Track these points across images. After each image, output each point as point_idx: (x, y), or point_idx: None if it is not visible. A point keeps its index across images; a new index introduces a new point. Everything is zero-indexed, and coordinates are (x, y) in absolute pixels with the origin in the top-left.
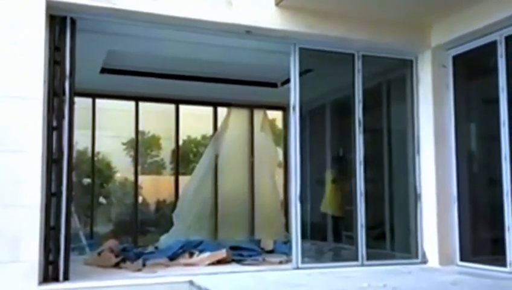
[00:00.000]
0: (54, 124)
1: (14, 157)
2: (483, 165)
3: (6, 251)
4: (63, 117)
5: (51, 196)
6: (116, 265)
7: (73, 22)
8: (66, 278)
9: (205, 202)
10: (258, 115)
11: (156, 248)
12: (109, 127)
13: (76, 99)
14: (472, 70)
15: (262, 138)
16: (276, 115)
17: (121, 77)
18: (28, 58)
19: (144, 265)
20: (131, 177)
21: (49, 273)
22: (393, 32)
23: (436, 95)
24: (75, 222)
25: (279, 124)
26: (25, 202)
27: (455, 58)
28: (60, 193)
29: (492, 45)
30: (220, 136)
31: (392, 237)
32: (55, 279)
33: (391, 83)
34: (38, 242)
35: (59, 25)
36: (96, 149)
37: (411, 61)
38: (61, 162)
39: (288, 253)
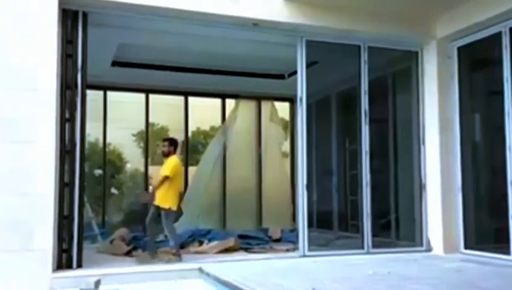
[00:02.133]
0: (67, 115)
1: (28, 148)
2: (487, 155)
3: (21, 239)
4: (75, 109)
5: (64, 186)
6: (128, 253)
7: (85, 15)
8: (79, 265)
9: (214, 191)
10: (265, 106)
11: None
12: (120, 119)
13: (88, 91)
14: (477, 62)
15: (271, 128)
16: (281, 107)
17: (131, 70)
18: (41, 51)
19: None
20: (142, 168)
21: (62, 260)
22: (398, 24)
23: (441, 86)
24: (88, 211)
25: (285, 115)
26: (39, 191)
27: (460, 50)
28: (73, 183)
29: (497, 36)
30: (228, 127)
31: (398, 226)
32: (69, 266)
33: (396, 74)
34: (52, 231)
35: (71, 18)
36: (108, 140)
37: (416, 52)
38: (73, 153)
39: (295, 241)
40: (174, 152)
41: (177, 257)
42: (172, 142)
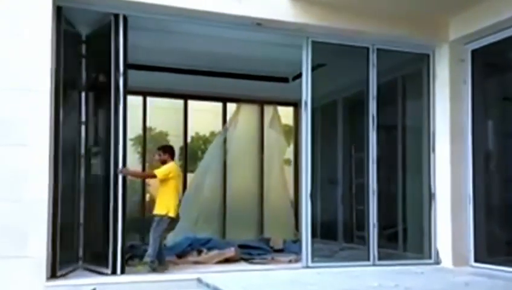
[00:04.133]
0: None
1: (22, 151)
2: (500, 164)
3: (14, 246)
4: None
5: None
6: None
7: (125, 19)
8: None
9: (213, 199)
10: (268, 110)
11: (164, 245)
12: None
13: None
14: (491, 66)
15: (271, 134)
16: (284, 111)
17: (128, 72)
18: (35, 51)
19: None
20: None
21: (56, 268)
22: (409, 26)
23: (453, 91)
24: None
25: (289, 120)
26: (33, 197)
27: (474, 53)
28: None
29: None
30: (229, 132)
31: (405, 237)
32: (63, 274)
33: (406, 78)
34: (46, 238)
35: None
36: None
37: (427, 55)
38: (107, 158)
39: (298, 252)
40: (172, 159)
41: (158, 266)
42: (167, 149)
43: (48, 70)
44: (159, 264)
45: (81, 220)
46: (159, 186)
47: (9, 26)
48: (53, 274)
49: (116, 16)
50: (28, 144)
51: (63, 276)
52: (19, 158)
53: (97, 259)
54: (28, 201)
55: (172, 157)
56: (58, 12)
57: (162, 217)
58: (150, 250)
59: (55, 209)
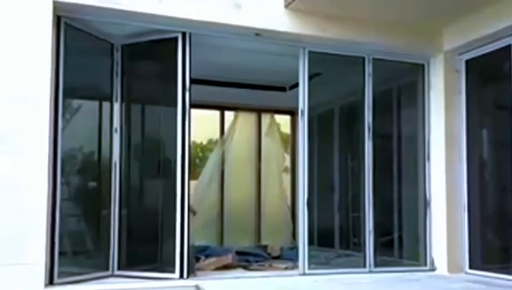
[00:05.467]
0: (60, 125)
1: (20, 159)
2: (494, 172)
3: (12, 254)
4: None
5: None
6: None
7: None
8: None
9: (211, 206)
10: (265, 119)
11: None
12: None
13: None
14: (485, 76)
15: (269, 142)
16: (283, 120)
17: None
18: (35, 59)
19: None
20: None
21: (54, 275)
22: (404, 36)
23: (448, 100)
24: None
25: (286, 128)
26: (31, 205)
27: (468, 63)
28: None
29: (507, 49)
30: (227, 140)
31: (401, 244)
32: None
33: (402, 87)
34: (45, 245)
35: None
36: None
37: (423, 65)
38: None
39: (295, 259)
40: None
41: None
42: None
43: (47, 79)
44: None
45: (116, 227)
46: None
47: (8, 34)
48: (51, 281)
49: (184, 34)
50: (26, 152)
51: (62, 283)
52: (17, 166)
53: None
54: (26, 209)
55: None
56: (58, 22)
57: None
58: None
59: (54, 217)
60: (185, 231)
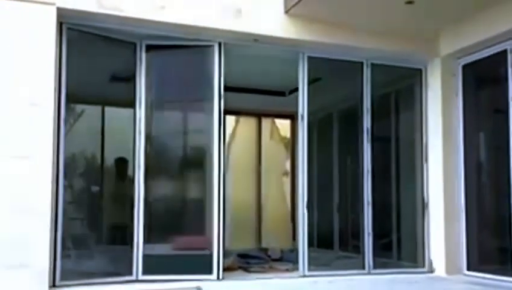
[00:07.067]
0: (63, 130)
1: (24, 163)
2: (492, 174)
3: (17, 256)
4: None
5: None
6: None
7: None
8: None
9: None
10: (266, 123)
11: None
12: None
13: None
14: (482, 80)
15: (271, 146)
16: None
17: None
18: (40, 65)
19: None
20: None
21: (56, 277)
22: (402, 41)
23: (445, 104)
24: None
25: (286, 132)
26: (36, 208)
27: (465, 68)
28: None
29: (503, 54)
30: (228, 144)
31: (399, 246)
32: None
33: (400, 92)
34: (49, 247)
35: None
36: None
37: (420, 70)
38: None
39: (295, 261)
40: None
41: None
42: None
43: (51, 85)
44: None
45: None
46: None
47: (13, 41)
48: (55, 283)
49: (220, 44)
50: (30, 155)
51: (66, 286)
52: (21, 169)
53: None
54: (30, 212)
55: None
56: (61, 28)
57: None
58: None
59: (57, 220)
60: (221, 235)
